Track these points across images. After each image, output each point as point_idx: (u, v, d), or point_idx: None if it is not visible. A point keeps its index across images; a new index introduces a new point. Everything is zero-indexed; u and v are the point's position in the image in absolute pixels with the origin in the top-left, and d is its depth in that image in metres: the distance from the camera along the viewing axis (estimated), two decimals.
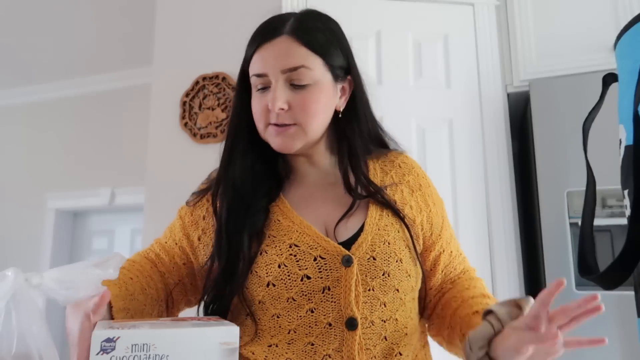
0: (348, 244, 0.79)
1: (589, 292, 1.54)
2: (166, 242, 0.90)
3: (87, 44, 3.26)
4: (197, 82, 2.07)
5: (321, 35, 0.83)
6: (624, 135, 0.51)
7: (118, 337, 0.52)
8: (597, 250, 0.58)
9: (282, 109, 0.79)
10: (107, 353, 0.52)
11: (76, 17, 2.97)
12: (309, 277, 0.76)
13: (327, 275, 0.76)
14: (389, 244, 0.79)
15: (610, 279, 0.50)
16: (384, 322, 0.78)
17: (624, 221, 0.50)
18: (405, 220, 0.83)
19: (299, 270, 0.76)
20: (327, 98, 0.83)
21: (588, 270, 0.55)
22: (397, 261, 0.79)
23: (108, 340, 0.52)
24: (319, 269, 0.76)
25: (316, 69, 0.81)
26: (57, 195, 3.60)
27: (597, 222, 1.58)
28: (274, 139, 0.82)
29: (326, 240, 0.78)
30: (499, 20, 1.96)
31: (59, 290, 0.56)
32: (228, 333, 0.55)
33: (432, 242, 0.88)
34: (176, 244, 0.88)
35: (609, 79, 0.56)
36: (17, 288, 0.51)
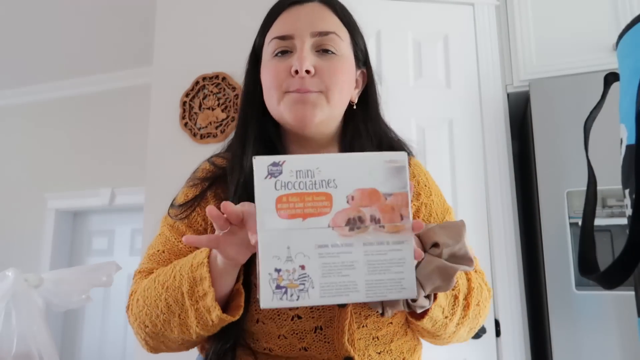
0: None
1: (589, 292, 1.55)
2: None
3: (87, 44, 3.25)
4: (197, 82, 2.07)
5: (349, 14, 0.81)
6: (625, 134, 0.52)
7: (284, 162, 0.51)
8: (597, 250, 0.58)
9: (309, 72, 0.72)
10: (274, 177, 0.51)
11: (76, 17, 2.97)
12: (299, 317, 0.71)
13: (320, 315, 0.71)
14: None
15: (610, 279, 0.50)
16: (379, 353, 0.74)
17: (624, 221, 0.50)
18: None
19: (289, 310, 0.71)
20: (350, 76, 0.78)
21: (588, 270, 0.55)
22: None
23: (274, 164, 0.51)
24: (310, 308, 0.71)
25: (345, 41, 0.77)
26: (57, 195, 3.60)
27: (597, 222, 1.58)
28: (293, 107, 0.73)
29: None
30: (499, 20, 1.96)
31: (56, 293, 0.56)
32: (394, 155, 0.52)
33: None
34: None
35: (611, 78, 0.57)
36: (17, 288, 0.51)
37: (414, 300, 0.65)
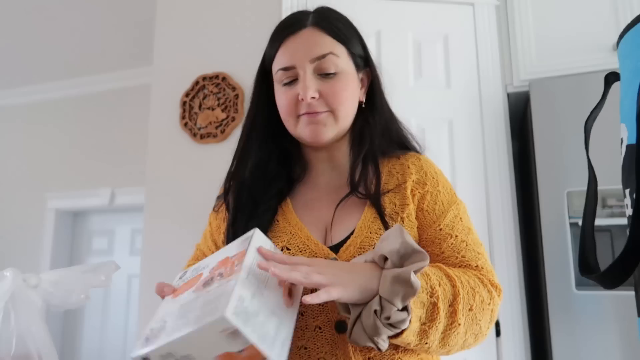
0: (339, 246, 0.78)
1: (589, 292, 1.55)
2: (202, 250, 0.92)
3: (87, 44, 3.25)
4: (197, 82, 2.07)
5: (341, 24, 0.86)
6: (626, 134, 0.52)
7: (147, 359, 0.59)
8: (597, 250, 0.58)
9: (314, 97, 0.80)
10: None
11: (76, 17, 2.97)
12: (302, 314, 0.75)
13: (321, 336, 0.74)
14: None
15: (611, 278, 0.50)
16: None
17: (624, 221, 0.50)
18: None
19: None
20: (353, 86, 0.85)
21: (589, 269, 0.55)
22: None
23: None
24: (311, 306, 0.74)
25: (342, 57, 0.83)
26: (57, 195, 3.60)
27: (597, 222, 1.58)
28: (306, 128, 0.82)
29: (315, 242, 0.78)
30: (499, 20, 1.96)
31: (55, 293, 0.55)
32: (219, 324, 0.55)
33: (432, 236, 0.82)
34: (210, 250, 0.90)
35: (611, 77, 0.57)
36: (16, 288, 0.51)
37: (387, 319, 0.64)
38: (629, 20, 0.51)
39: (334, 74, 0.82)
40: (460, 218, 0.84)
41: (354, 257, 0.75)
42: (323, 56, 0.81)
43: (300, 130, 0.84)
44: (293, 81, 0.83)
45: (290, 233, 0.80)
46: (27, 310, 0.51)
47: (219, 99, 2.04)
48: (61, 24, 3.05)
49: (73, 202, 3.57)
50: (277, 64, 0.84)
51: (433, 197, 0.84)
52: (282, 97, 0.84)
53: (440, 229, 0.81)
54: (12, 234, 3.67)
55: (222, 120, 2.02)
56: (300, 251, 0.78)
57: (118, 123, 3.56)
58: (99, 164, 3.55)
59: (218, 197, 0.92)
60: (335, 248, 0.78)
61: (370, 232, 0.78)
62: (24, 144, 3.84)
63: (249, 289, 0.59)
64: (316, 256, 0.77)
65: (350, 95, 0.84)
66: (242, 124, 0.92)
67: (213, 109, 2.04)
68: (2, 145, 3.91)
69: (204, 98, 2.06)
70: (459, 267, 0.79)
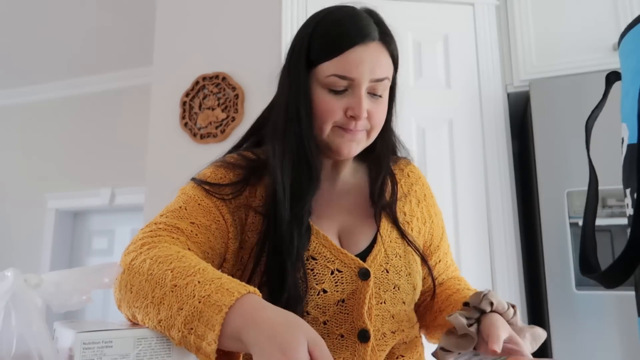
0: (362, 256, 0.78)
1: (589, 292, 1.55)
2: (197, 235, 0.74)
3: (87, 44, 3.25)
4: (197, 82, 2.07)
5: (395, 45, 0.85)
6: (627, 133, 0.52)
7: None
8: (597, 250, 0.58)
9: (364, 117, 0.78)
10: None
11: (76, 17, 2.97)
12: (325, 291, 0.75)
13: (343, 289, 0.75)
14: (400, 257, 0.81)
15: (611, 278, 0.50)
16: (394, 333, 0.79)
17: (624, 221, 0.50)
18: (409, 237, 0.83)
19: (316, 284, 0.74)
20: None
21: (589, 269, 0.55)
22: (407, 275, 0.80)
23: None
24: (336, 282, 0.75)
25: (390, 80, 0.83)
26: (57, 195, 3.60)
27: (597, 222, 1.58)
28: (342, 144, 0.78)
29: (343, 252, 0.77)
30: (499, 20, 1.96)
31: (56, 294, 0.55)
32: None
33: (431, 253, 0.90)
34: (210, 245, 0.75)
35: (612, 77, 0.57)
36: (17, 289, 0.51)
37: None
38: (629, 21, 0.52)
39: (382, 97, 0.81)
40: (445, 229, 0.94)
41: (382, 265, 0.78)
42: (381, 79, 0.79)
43: (332, 140, 0.78)
44: (342, 91, 0.77)
45: (315, 242, 0.76)
46: (28, 311, 0.51)
47: (219, 99, 2.04)
48: (61, 24, 3.05)
49: (73, 202, 3.57)
50: (335, 69, 0.76)
51: (434, 209, 0.92)
52: (328, 104, 0.77)
53: (430, 244, 0.91)
54: (12, 234, 3.67)
55: (222, 120, 2.02)
56: (329, 261, 0.76)
57: (118, 123, 3.56)
58: (99, 163, 3.55)
59: (218, 185, 0.78)
60: (360, 257, 0.78)
61: (391, 241, 0.81)
62: (24, 144, 3.84)
63: None
64: (345, 265, 0.76)
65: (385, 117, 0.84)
66: (285, 125, 0.78)
67: (213, 109, 2.04)
68: (2, 145, 3.91)
69: (204, 98, 2.06)
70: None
